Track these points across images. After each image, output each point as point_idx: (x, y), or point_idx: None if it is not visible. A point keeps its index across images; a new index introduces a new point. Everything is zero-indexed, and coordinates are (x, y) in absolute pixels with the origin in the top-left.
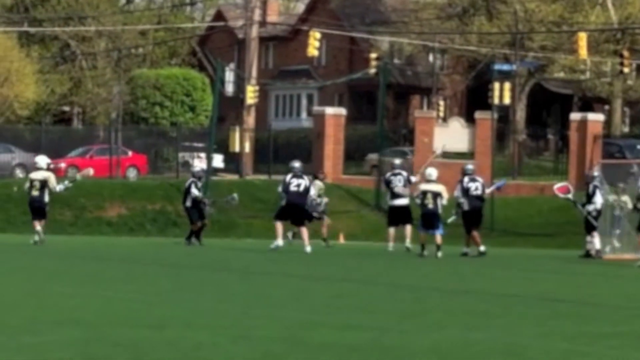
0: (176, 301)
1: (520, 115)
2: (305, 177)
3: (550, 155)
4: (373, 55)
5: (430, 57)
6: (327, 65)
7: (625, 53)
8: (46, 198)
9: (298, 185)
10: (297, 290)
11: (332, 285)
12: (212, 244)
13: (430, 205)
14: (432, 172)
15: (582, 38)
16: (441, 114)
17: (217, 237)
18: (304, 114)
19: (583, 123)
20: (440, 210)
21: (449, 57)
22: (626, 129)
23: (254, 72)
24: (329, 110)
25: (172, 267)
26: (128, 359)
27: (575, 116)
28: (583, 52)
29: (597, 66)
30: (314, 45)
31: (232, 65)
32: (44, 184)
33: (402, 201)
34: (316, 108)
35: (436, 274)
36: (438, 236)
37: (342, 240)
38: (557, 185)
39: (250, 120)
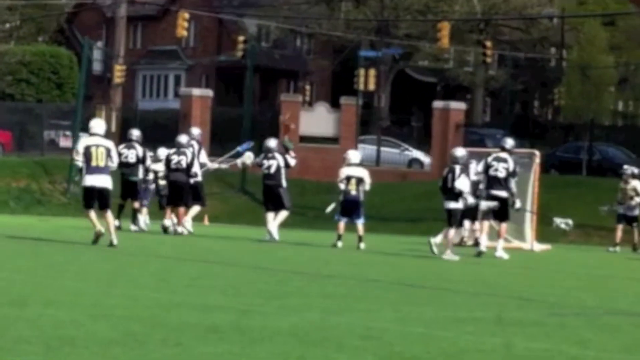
0: (38, 279)
1: (385, 101)
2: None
3: (413, 142)
4: (240, 37)
5: (298, 42)
6: (195, 46)
7: (488, 43)
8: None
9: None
10: (159, 270)
11: (195, 266)
12: (77, 223)
13: (354, 192)
14: (355, 155)
15: (445, 27)
16: (307, 99)
17: (80, 216)
18: (171, 95)
19: (445, 111)
20: (362, 198)
21: (315, 41)
22: (487, 118)
23: (122, 52)
24: (196, 92)
25: (35, 245)
26: None
27: (437, 104)
28: (445, 41)
29: (460, 55)
30: (182, 25)
31: (99, 44)
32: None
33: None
34: (183, 89)
35: (299, 257)
36: (360, 226)
37: (206, 222)
38: None
39: (117, 99)
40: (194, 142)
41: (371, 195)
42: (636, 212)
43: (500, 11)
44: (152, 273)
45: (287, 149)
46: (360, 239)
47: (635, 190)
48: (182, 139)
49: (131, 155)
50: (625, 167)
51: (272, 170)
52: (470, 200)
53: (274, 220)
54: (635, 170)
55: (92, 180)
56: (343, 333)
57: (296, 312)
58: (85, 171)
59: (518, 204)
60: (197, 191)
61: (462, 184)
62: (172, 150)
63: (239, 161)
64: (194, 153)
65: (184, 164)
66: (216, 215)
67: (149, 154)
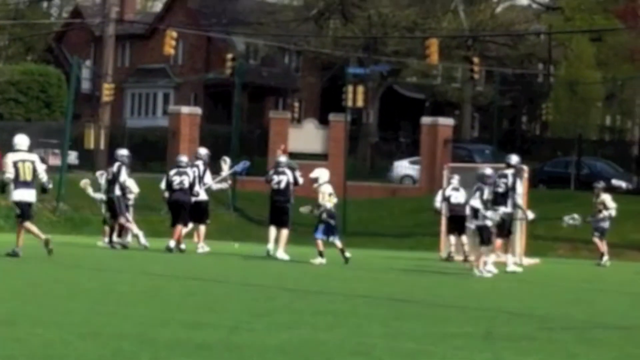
0: (26, 297)
1: (373, 118)
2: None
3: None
4: (229, 55)
5: (286, 59)
6: (183, 64)
7: (475, 59)
8: None
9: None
10: (149, 287)
11: (184, 283)
12: (65, 241)
13: (334, 209)
14: (327, 173)
15: (434, 44)
16: (296, 116)
17: (70, 234)
18: (159, 113)
19: (433, 127)
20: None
21: (304, 59)
22: (475, 134)
23: (110, 70)
24: (185, 109)
25: (24, 263)
26: None
27: (426, 120)
28: (434, 57)
29: (448, 71)
30: (170, 44)
31: (88, 63)
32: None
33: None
34: (172, 107)
35: (288, 274)
36: (337, 241)
37: (196, 239)
38: None
39: (105, 117)
40: (199, 162)
41: (360, 211)
42: (605, 225)
43: (488, 28)
44: (141, 290)
45: (293, 169)
46: (342, 250)
47: (603, 203)
48: (183, 158)
49: (110, 174)
50: (614, 181)
51: (282, 185)
52: (490, 215)
53: (280, 246)
54: (623, 185)
55: (22, 195)
56: (332, 349)
57: (285, 329)
58: (14, 186)
59: (531, 215)
60: (203, 210)
61: (475, 202)
62: (173, 171)
63: (225, 167)
64: (195, 172)
65: (186, 184)
66: (206, 232)
67: (125, 170)
